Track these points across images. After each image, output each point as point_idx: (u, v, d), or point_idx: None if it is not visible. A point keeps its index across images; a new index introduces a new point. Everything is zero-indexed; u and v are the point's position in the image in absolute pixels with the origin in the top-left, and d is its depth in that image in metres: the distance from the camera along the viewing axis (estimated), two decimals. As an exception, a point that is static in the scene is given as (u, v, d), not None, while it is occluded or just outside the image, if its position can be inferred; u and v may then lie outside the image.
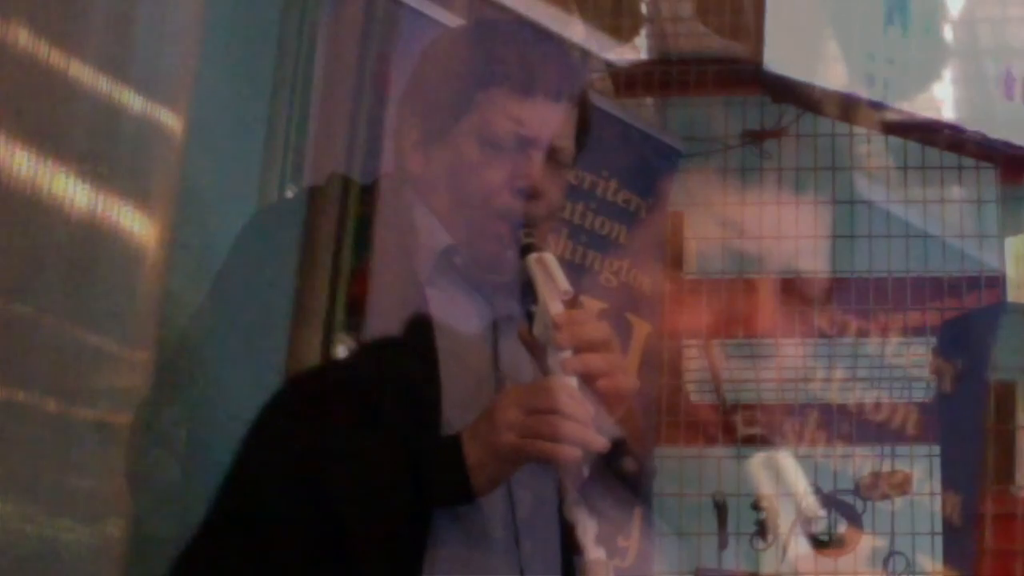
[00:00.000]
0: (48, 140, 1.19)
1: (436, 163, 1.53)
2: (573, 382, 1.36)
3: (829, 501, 3.28)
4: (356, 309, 1.50)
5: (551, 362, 1.39)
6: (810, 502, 3.22)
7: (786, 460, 3.27)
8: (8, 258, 1.16)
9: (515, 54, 1.52)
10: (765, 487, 3.24)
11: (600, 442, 1.32)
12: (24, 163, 1.15)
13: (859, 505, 3.31)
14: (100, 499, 1.32)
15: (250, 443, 1.35)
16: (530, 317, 1.44)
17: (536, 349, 1.42)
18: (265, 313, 1.47)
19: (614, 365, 1.40)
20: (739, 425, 3.34)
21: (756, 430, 3.33)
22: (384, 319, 1.47)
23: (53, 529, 1.23)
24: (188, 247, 1.76)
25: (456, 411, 1.40)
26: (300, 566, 1.32)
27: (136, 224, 1.35)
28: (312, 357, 1.48)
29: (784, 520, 3.30)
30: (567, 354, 1.38)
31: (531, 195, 1.49)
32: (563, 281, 1.42)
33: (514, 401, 1.36)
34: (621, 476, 1.35)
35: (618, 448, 1.32)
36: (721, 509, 3.32)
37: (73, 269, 1.26)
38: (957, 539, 3.02)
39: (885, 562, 3.25)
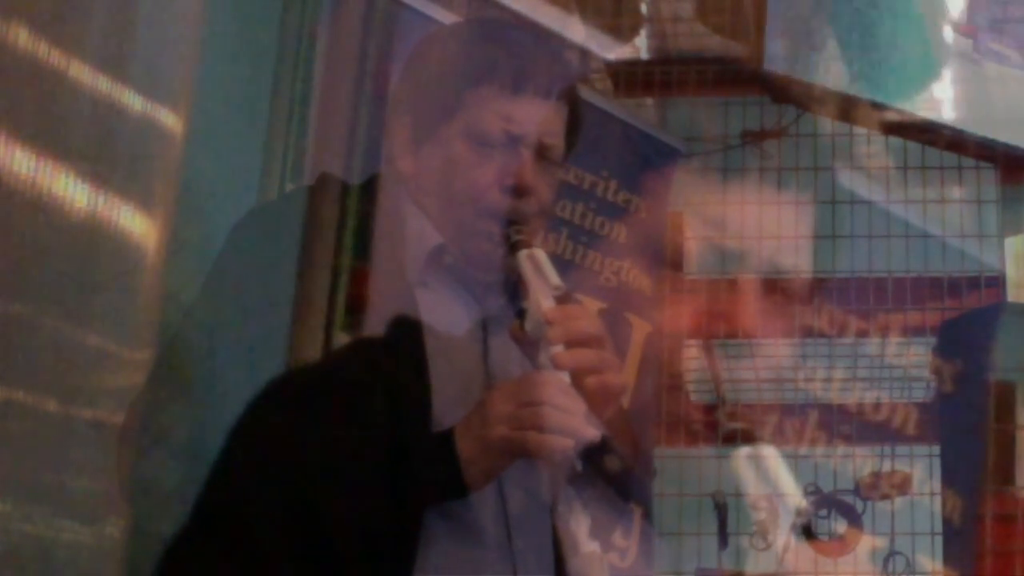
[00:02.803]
0: (48, 140, 1.19)
1: (426, 162, 1.53)
2: (565, 377, 1.36)
3: (829, 501, 3.29)
4: (356, 309, 1.50)
5: (543, 358, 1.39)
6: (799, 499, 3.21)
7: (772, 457, 3.26)
8: (8, 258, 1.16)
9: (504, 52, 1.52)
10: (754, 486, 3.24)
11: (591, 432, 1.32)
12: (24, 163, 1.15)
13: (859, 505, 3.31)
14: (100, 499, 1.32)
15: (237, 441, 1.35)
16: (521, 314, 1.44)
17: (528, 345, 1.42)
18: (264, 312, 1.47)
19: (605, 362, 1.40)
20: (722, 419, 3.34)
21: (739, 425, 3.33)
22: (375, 319, 1.47)
23: (53, 529, 1.23)
24: (188, 247, 1.76)
25: (446, 411, 1.40)
26: (291, 564, 1.31)
27: (136, 224, 1.35)
28: (312, 357, 1.48)
29: (781, 520, 3.30)
30: (559, 349, 1.38)
31: (521, 193, 1.49)
32: (554, 277, 1.42)
33: (505, 395, 1.36)
34: (604, 475, 1.35)
35: (602, 446, 1.32)
36: (721, 509, 3.32)
37: (73, 269, 1.26)
38: (957, 539, 3.02)
39: (885, 562, 3.25)
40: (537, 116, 1.51)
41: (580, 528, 1.34)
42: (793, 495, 3.22)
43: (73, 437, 1.27)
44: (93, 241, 1.28)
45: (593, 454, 1.32)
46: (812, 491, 3.28)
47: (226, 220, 1.70)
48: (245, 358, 1.44)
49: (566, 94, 1.55)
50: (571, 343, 1.38)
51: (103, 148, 1.30)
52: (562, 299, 1.42)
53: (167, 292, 1.50)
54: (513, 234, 1.47)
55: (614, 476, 1.37)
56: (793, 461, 3.31)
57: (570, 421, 1.32)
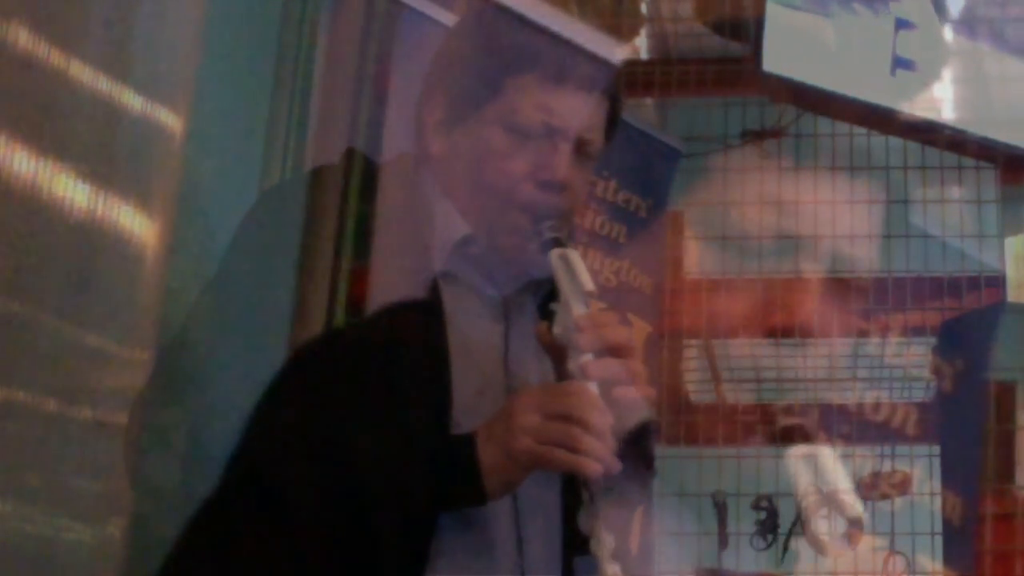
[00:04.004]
0: (48, 140, 1.19)
1: (458, 147, 1.47)
2: (593, 387, 1.31)
3: (829, 501, 3.29)
4: (356, 308, 1.49)
5: (571, 365, 1.33)
6: (850, 499, 3.19)
7: (826, 454, 3.24)
8: (8, 258, 1.16)
9: (550, 41, 1.46)
10: (804, 481, 3.22)
11: (616, 466, 1.28)
12: (24, 163, 1.15)
13: (860, 505, 3.31)
14: (100, 499, 1.32)
15: (256, 431, 1.31)
16: (549, 316, 1.38)
17: (555, 350, 1.37)
18: (265, 310, 1.46)
19: (635, 373, 1.35)
20: (779, 416, 3.33)
21: (795, 421, 3.32)
22: (395, 309, 1.41)
23: (53, 529, 1.23)
24: (188, 247, 1.76)
25: (464, 409, 1.36)
26: (303, 559, 1.28)
27: (136, 224, 1.34)
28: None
29: (786, 519, 3.31)
30: (588, 357, 1.32)
31: (556, 188, 1.43)
32: (587, 281, 1.36)
33: (532, 404, 1.31)
34: (643, 455, 1.33)
35: (647, 429, 1.30)
36: (721, 509, 3.32)
37: (73, 269, 1.26)
38: (957, 539, 3.02)
39: (885, 562, 3.25)
40: (578, 109, 1.45)
41: (603, 549, 1.28)
42: (841, 493, 3.19)
43: (73, 437, 1.27)
44: (93, 241, 1.28)
45: (638, 435, 1.29)
46: (812, 491, 3.28)
47: (226, 220, 1.70)
48: (245, 358, 1.43)
49: (608, 88, 1.50)
50: (601, 352, 1.33)
51: (103, 148, 1.30)
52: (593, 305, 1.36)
53: (167, 292, 1.50)
54: (546, 231, 1.41)
55: (649, 457, 1.36)
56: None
57: (598, 446, 1.28)
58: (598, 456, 1.28)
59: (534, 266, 1.44)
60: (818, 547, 3.17)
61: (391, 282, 1.45)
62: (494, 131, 1.45)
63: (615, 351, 1.34)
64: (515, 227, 1.44)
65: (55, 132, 1.22)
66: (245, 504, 1.31)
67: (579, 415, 1.29)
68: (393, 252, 1.47)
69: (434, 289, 1.42)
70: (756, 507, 3.33)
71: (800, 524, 3.23)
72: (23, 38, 1.15)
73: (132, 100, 1.34)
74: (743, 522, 3.32)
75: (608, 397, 1.32)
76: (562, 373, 1.36)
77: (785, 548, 3.30)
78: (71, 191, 1.22)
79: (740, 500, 3.33)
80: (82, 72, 1.25)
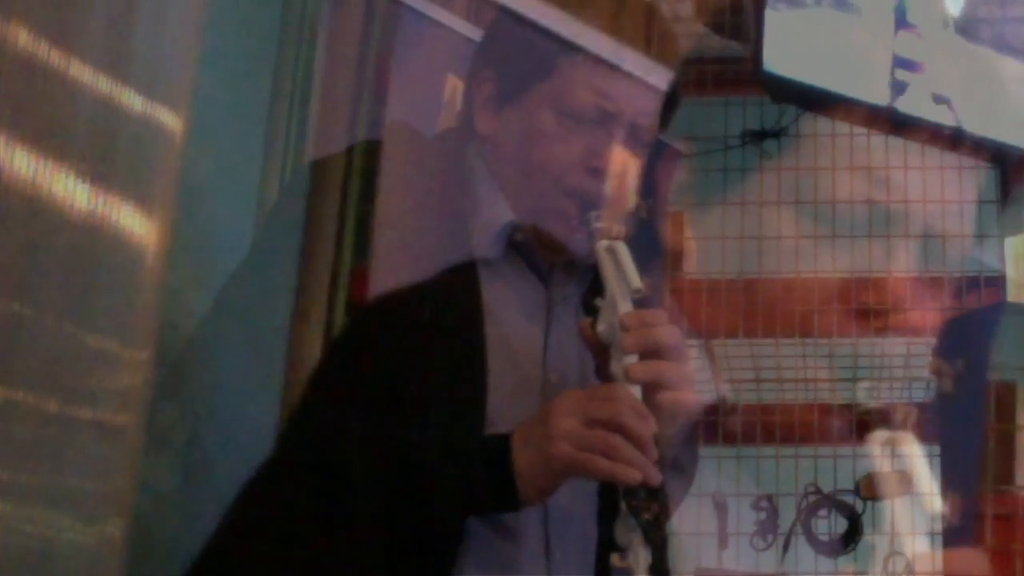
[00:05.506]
0: (48, 140, 1.19)
1: (507, 127, 1.42)
2: (637, 391, 1.27)
3: (829, 501, 3.29)
4: (355, 308, 1.48)
5: (614, 366, 1.29)
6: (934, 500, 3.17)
7: (912, 445, 3.23)
8: (8, 258, 1.16)
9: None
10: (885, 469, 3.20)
11: (656, 477, 1.23)
12: (24, 163, 1.15)
13: (859, 505, 3.31)
14: (100, 499, 1.31)
15: (287, 424, 1.29)
16: (593, 312, 1.33)
17: (597, 348, 1.32)
18: (265, 312, 1.46)
19: (681, 376, 1.31)
20: (861, 398, 3.32)
21: (875, 405, 3.31)
22: (433, 294, 1.36)
23: (53, 529, 1.23)
24: (188, 247, 1.76)
25: (500, 407, 1.32)
26: (325, 559, 1.25)
27: (136, 224, 1.34)
28: (312, 357, 1.47)
29: (785, 519, 3.30)
30: (633, 359, 1.28)
31: (607, 176, 1.39)
32: (635, 277, 1.31)
33: (572, 408, 1.27)
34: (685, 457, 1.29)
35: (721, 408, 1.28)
36: (721, 509, 3.32)
37: (73, 269, 1.26)
38: (957, 539, 3.02)
39: (885, 562, 3.25)
40: (634, 94, 1.40)
41: (638, 563, 1.23)
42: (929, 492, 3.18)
43: (73, 437, 1.27)
44: (93, 241, 1.28)
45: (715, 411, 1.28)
46: (812, 491, 3.28)
47: (226, 220, 1.70)
48: (245, 358, 1.43)
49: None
50: (647, 354, 1.28)
51: (103, 148, 1.30)
52: (641, 303, 1.30)
53: (167, 292, 1.49)
54: (593, 220, 1.36)
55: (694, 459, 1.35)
56: (793, 461, 3.31)
57: (638, 457, 1.23)
58: (638, 465, 1.23)
59: (579, 256, 1.38)
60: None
61: (431, 265, 1.38)
62: (545, 113, 1.39)
63: (662, 353, 1.29)
64: (562, 214, 1.39)
65: (55, 132, 1.22)
66: (287, 488, 1.27)
67: (620, 421, 1.24)
68: (430, 229, 1.40)
69: (474, 276, 1.37)
70: (756, 507, 3.33)
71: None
72: (23, 38, 1.15)
73: (132, 100, 1.33)
74: (743, 522, 3.32)
75: (652, 402, 1.27)
76: (605, 373, 1.31)
77: (785, 548, 3.30)
78: (71, 191, 1.22)
79: (740, 500, 3.32)
80: (82, 72, 1.24)
